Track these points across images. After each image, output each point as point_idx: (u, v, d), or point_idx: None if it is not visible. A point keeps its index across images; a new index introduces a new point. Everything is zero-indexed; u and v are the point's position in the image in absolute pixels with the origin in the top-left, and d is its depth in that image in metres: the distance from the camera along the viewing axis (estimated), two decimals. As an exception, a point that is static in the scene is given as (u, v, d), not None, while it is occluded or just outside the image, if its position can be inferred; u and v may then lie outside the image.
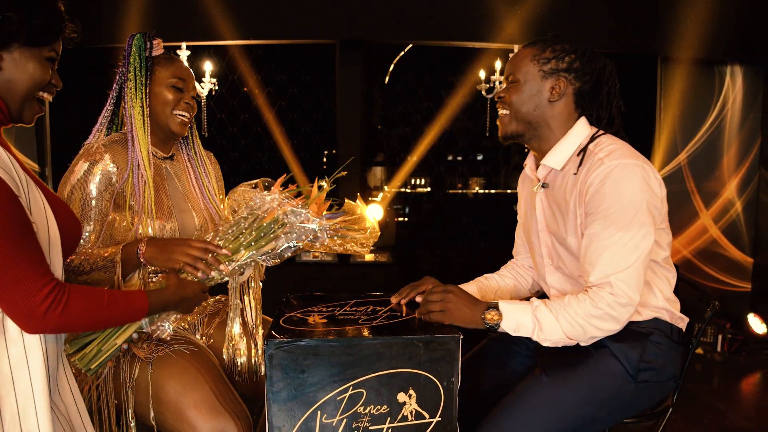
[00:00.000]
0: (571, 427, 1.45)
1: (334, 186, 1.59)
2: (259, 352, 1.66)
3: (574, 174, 1.51)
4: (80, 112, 4.75)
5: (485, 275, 1.88)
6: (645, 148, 4.39)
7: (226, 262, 1.46)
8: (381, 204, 4.04)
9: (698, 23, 3.97)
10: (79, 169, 1.56)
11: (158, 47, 1.68)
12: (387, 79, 5.07)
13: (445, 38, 4.23)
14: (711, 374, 3.64)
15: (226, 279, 1.51)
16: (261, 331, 1.68)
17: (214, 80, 3.92)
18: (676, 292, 1.62)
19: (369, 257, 3.94)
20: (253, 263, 1.51)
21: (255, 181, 1.62)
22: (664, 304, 1.55)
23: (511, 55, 3.85)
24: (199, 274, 1.45)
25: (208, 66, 3.89)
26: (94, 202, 1.56)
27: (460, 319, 1.46)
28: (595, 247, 1.43)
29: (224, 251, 1.46)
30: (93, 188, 1.55)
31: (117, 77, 1.68)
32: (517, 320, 1.44)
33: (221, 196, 1.84)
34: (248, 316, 1.66)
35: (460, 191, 5.41)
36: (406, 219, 5.30)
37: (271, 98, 5.05)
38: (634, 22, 4.12)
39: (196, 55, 4.03)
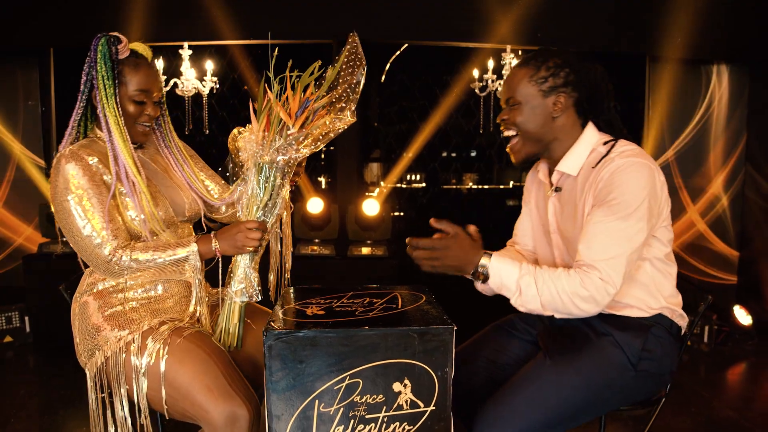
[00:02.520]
0: (572, 410, 1.49)
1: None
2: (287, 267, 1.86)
3: (593, 167, 1.55)
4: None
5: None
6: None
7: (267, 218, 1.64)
8: (377, 199, 4.09)
9: (685, 24, 3.99)
10: (66, 170, 1.54)
11: (124, 50, 1.62)
12: (383, 77, 5.10)
13: (440, 38, 4.27)
14: (698, 364, 3.67)
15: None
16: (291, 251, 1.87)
17: (215, 79, 3.99)
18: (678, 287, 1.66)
19: (366, 251, 3.98)
20: (280, 196, 1.62)
21: (232, 133, 1.71)
22: (665, 304, 1.59)
23: (504, 54, 3.94)
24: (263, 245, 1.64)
25: (209, 65, 3.95)
26: (93, 191, 1.56)
27: (452, 267, 1.51)
28: (593, 230, 1.48)
29: (268, 221, 1.62)
30: (86, 181, 1.55)
31: (84, 78, 1.62)
32: (502, 280, 1.49)
33: (202, 175, 1.86)
34: (284, 244, 1.82)
35: (454, 187, 5.44)
36: (401, 214, 5.34)
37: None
38: (624, 23, 4.17)
39: (198, 54, 4.09)
